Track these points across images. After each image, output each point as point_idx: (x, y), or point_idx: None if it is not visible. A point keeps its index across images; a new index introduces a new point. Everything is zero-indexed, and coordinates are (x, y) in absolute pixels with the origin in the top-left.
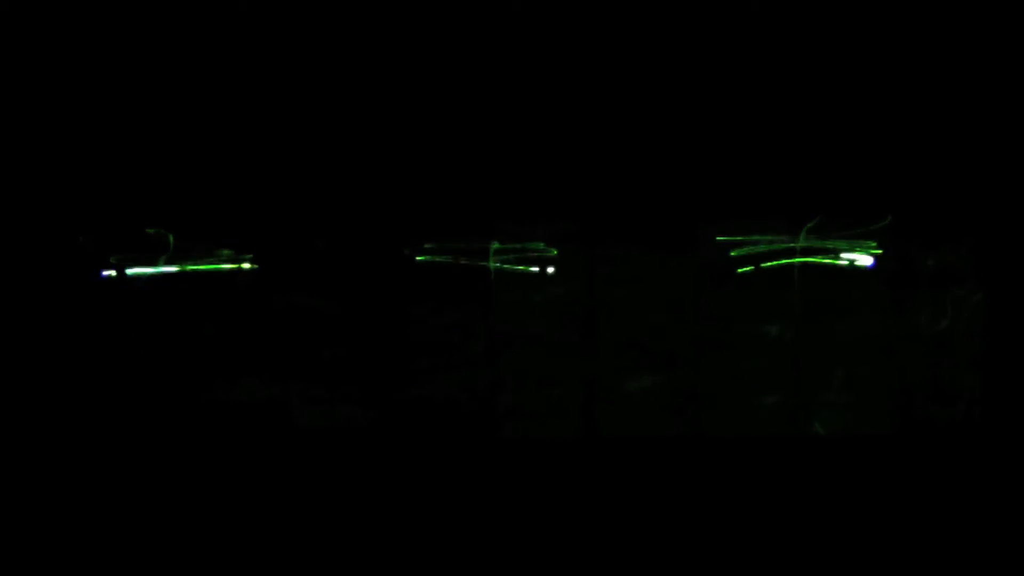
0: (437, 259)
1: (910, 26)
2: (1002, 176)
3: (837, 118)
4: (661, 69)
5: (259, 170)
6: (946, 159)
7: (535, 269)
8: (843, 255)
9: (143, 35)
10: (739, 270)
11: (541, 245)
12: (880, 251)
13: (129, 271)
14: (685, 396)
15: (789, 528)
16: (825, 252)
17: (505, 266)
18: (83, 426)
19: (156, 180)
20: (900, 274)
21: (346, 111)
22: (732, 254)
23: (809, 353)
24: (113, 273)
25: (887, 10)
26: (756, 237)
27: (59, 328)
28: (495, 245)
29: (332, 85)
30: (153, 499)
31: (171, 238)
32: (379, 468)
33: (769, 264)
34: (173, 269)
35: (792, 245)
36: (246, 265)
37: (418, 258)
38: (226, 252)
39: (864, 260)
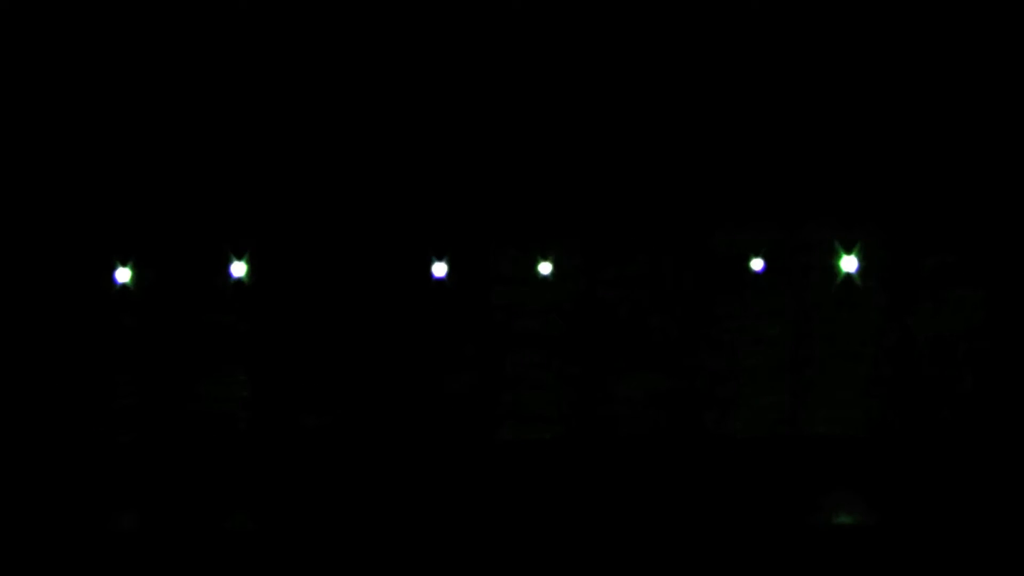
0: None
1: (911, 33)
2: (1001, 179)
3: (838, 123)
4: (665, 76)
5: (260, 180)
6: (945, 162)
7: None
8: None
9: (144, 38)
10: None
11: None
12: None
13: None
14: (685, 396)
15: (787, 527)
16: (823, 254)
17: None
18: (82, 425)
19: (159, 183)
20: (899, 275)
21: (345, 123)
22: (733, 256)
23: (808, 353)
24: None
25: (889, 16)
26: (758, 240)
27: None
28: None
29: (332, 98)
30: (154, 499)
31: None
32: (378, 468)
33: (769, 265)
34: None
35: (791, 247)
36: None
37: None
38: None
39: (849, 264)
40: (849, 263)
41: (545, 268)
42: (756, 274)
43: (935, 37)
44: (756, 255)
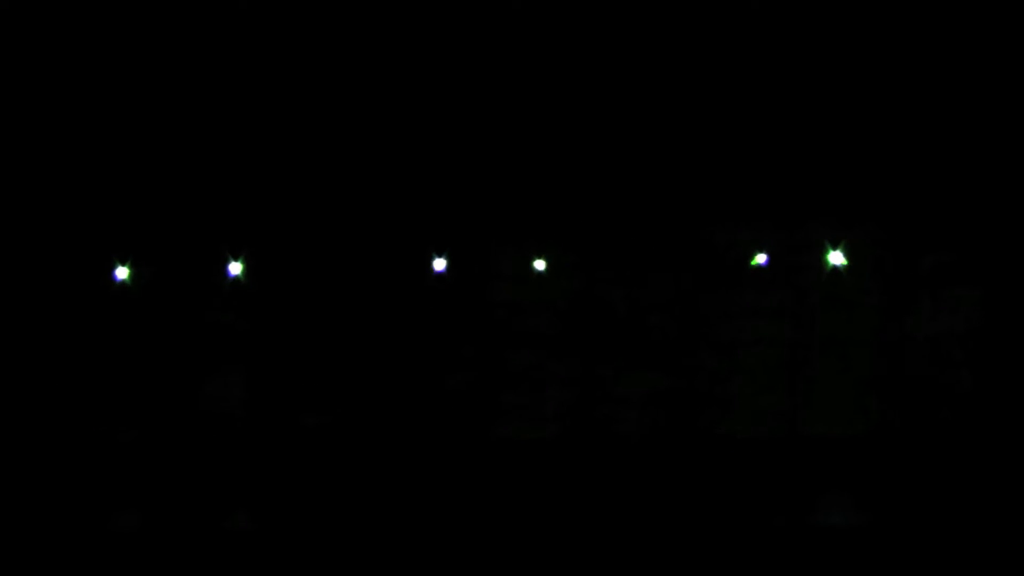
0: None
1: (910, 33)
2: (998, 178)
3: (838, 124)
4: (666, 77)
5: (258, 180)
6: (943, 162)
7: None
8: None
9: (147, 38)
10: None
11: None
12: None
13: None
14: (684, 396)
15: (786, 527)
16: (822, 253)
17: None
18: (85, 424)
19: (160, 183)
20: (898, 275)
21: (344, 123)
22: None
23: (808, 353)
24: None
25: (888, 17)
26: (758, 239)
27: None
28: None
29: (336, 102)
30: (157, 497)
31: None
32: (377, 466)
33: (768, 264)
34: None
35: (788, 247)
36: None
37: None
38: None
39: (837, 259)
40: (836, 258)
41: (544, 267)
42: (755, 273)
43: (934, 38)
44: (756, 254)
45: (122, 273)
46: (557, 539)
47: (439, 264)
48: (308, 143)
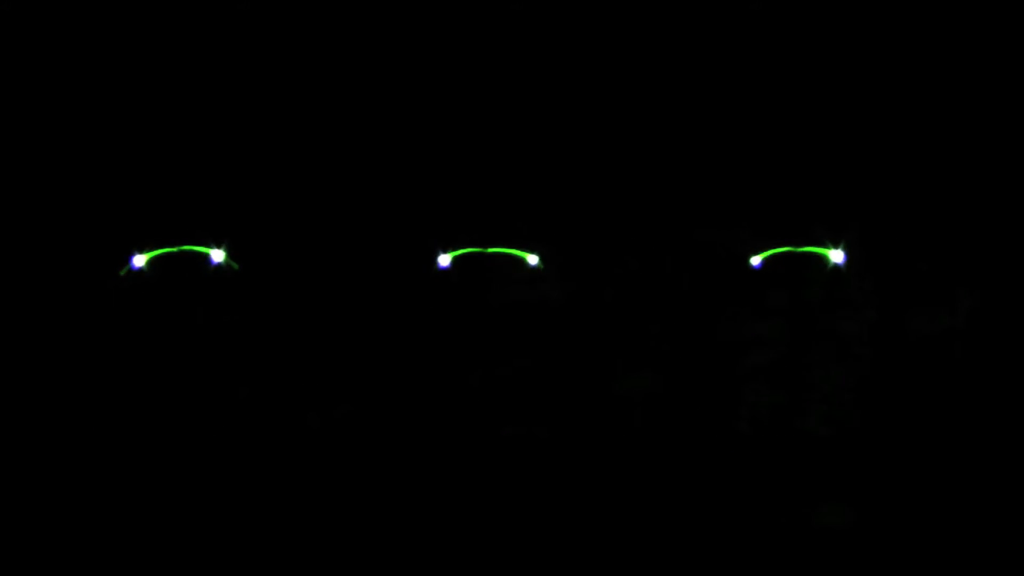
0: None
1: (907, 34)
2: (997, 180)
3: (836, 123)
4: (661, 76)
5: (257, 181)
6: (941, 163)
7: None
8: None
9: (148, 37)
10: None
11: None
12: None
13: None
14: (683, 396)
15: (786, 527)
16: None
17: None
18: (92, 422)
19: (161, 181)
20: (897, 275)
21: (344, 125)
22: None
23: (807, 353)
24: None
25: (884, 21)
26: (756, 238)
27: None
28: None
29: (337, 95)
30: (161, 495)
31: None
32: (380, 466)
33: (767, 264)
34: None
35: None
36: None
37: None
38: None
39: (837, 256)
40: (836, 257)
41: (545, 266)
42: (754, 273)
43: (933, 39)
44: (755, 254)
45: (122, 271)
46: (557, 539)
47: (445, 259)
48: (310, 144)
